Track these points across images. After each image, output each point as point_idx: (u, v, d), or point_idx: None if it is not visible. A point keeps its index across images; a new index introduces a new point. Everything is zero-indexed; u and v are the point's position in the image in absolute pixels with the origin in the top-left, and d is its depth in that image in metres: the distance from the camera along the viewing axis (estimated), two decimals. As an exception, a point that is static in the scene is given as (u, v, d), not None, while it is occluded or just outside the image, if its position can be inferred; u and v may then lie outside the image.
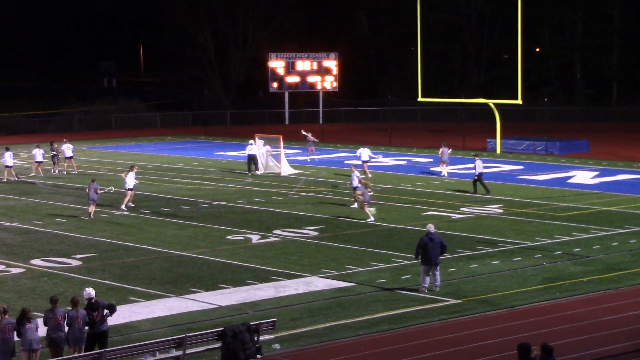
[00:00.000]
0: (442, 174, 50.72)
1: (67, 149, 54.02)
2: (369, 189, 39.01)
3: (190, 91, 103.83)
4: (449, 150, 52.18)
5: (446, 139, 58.32)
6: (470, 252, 31.86)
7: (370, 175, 49.46)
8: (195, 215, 39.68)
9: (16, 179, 50.24)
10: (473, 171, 45.33)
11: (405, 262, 30.32)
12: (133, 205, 41.02)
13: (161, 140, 73.59)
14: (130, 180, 40.87)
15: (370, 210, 38.13)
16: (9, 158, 50.25)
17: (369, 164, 51.78)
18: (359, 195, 39.06)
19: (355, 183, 41.06)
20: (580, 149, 63.98)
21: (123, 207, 40.57)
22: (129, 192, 40.80)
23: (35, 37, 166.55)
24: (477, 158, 45.27)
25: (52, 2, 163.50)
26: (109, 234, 35.56)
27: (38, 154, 53.08)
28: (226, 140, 74.29)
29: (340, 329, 23.43)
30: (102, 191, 39.61)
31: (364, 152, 51.75)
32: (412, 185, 47.42)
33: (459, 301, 25.86)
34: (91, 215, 38.79)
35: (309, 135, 59.80)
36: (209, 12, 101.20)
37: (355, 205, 40.25)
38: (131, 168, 41.89)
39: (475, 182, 45.13)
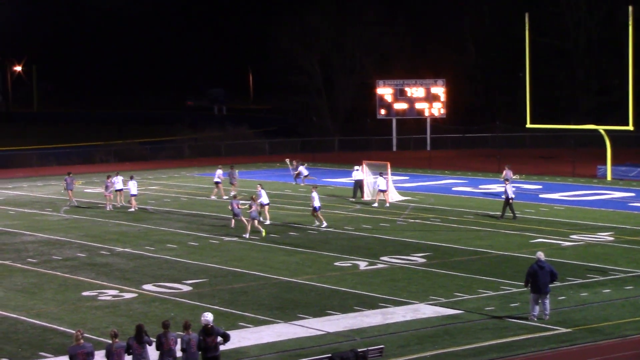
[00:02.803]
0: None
1: (133, 185, 51.56)
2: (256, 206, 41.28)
3: (299, 118, 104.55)
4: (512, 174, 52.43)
5: (556, 165, 57.61)
6: (581, 280, 31.42)
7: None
8: (303, 241, 39.92)
9: (121, 204, 50.94)
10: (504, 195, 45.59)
11: (514, 289, 30.04)
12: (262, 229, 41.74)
13: (270, 167, 74.21)
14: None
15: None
16: (133, 186, 50.14)
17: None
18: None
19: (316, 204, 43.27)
20: (695, 175, 62.68)
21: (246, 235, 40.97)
22: (252, 220, 41.22)
23: (147, 65, 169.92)
24: (507, 183, 45.69)
25: (161, 33, 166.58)
26: (219, 259, 36.00)
27: (120, 182, 51.72)
28: (334, 167, 74.57)
29: (448, 357, 23.32)
30: (243, 207, 41.58)
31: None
32: (520, 212, 46.97)
33: (569, 330, 25.52)
34: (232, 225, 41.76)
35: (291, 163, 60.74)
36: (317, 39, 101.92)
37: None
38: (252, 199, 42.06)
39: (505, 205, 45.33)
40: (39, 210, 50.49)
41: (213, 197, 53.94)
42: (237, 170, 57.12)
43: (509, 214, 45.19)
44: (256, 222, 41.24)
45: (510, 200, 45.18)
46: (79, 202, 53.29)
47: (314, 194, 43.54)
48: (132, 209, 49.44)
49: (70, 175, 53.40)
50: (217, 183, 54.56)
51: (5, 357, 23.65)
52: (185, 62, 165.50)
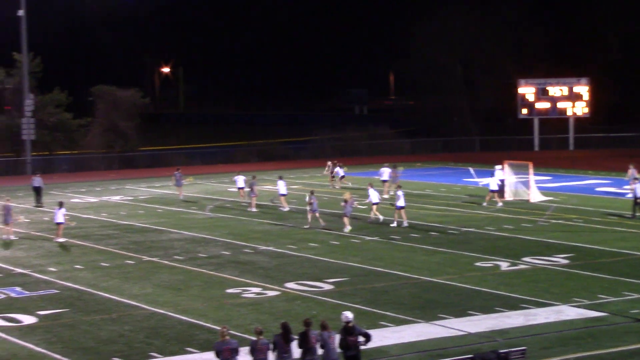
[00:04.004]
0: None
1: (385, 172, 56.32)
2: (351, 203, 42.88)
3: (440, 118, 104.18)
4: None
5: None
6: None
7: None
8: (444, 241, 39.90)
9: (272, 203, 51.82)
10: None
11: (660, 292, 29.52)
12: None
13: (411, 167, 74.27)
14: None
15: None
16: (281, 186, 50.95)
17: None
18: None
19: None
20: None
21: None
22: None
23: (289, 67, 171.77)
24: (637, 182, 45.29)
25: (307, 35, 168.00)
26: (360, 258, 36.28)
27: (240, 180, 54.34)
28: (475, 167, 74.08)
29: (592, 360, 23.09)
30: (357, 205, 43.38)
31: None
32: (667, 213, 45.90)
33: None
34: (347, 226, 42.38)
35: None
36: (459, 39, 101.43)
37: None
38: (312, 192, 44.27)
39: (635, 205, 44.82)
40: (185, 209, 51.64)
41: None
42: (401, 169, 57.68)
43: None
44: (317, 213, 43.57)
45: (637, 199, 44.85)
46: (223, 201, 54.33)
47: (400, 193, 44.11)
48: (284, 209, 50.17)
49: (179, 170, 55.71)
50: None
51: (154, 351, 24.36)
52: (327, 63, 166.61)
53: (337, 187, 58.79)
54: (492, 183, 50.52)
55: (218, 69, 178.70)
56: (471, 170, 55.32)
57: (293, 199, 54.48)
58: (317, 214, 43.79)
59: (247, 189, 52.70)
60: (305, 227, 43.68)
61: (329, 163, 62.20)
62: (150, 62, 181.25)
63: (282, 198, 50.83)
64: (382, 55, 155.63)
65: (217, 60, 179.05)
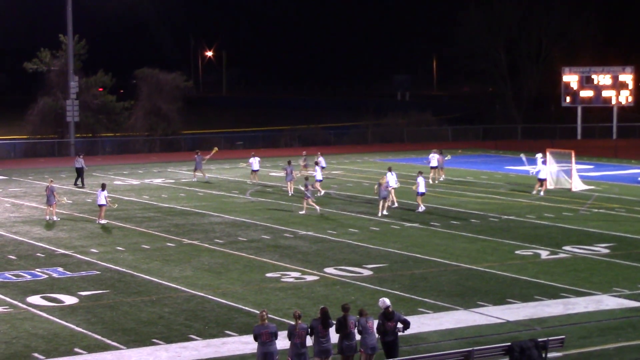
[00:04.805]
0: None
1: (433, 159, 56.26)
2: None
3: (482, 105, 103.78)
4: None
5: None
6: None
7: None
8: (485, 228, 39.80)
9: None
10: None
11: (702, 284, 29.29)
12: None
13: (452, 154, 74.02)
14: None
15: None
16: (317, 171, 50.63)
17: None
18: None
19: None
20: None
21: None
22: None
23: (333, 52, 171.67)
24: None
25: (352, 21, 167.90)
26: (400, 245, 36.27)
27: (255, 162, 55.64)
28: (516, 155, 73.77)
29: (632, 350, 22.95)
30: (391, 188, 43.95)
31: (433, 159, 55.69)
32: None
33: None
34: (383, 211, 42.71)
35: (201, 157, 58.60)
36: (503, 25, 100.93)
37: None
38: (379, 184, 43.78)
39: None
40: (226, 192, 51.86)
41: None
42: (448, 157, 57.82)
43: None
44: (310, 200, 43.70)
45: None
46: (264, 185, 54.52)
47: (420, 179, 44.43)
48: (318, 193, 50.26)
49: (198, 153, 57.23)
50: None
51: (194, 334, 24.54)
52: (372, 50, 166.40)
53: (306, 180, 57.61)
54: (544, 172, 50.21)
55: (262, 53, 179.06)
56: (523, 157, 54.82)
57: (334, 185, 54.56)
58: (311, 201, 44.00)
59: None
60: (302, 213, 43.83)
61: (304, 153, 60.05)
62: (194, 45, 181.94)
63: (318, 184, 50.89)
64: (426, 41, 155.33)
65: (261, 44, 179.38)
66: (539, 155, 52.68)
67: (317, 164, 52.22)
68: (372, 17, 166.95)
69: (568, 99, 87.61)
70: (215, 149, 61.48)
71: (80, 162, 54.58)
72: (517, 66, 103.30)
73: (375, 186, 44.16)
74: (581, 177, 53.79)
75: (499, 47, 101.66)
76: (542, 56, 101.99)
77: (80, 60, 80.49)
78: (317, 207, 43.76)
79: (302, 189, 44.88)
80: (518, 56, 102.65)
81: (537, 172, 50.92)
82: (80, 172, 54.51)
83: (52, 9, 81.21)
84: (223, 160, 69.51)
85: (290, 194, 50.24)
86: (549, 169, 52.05)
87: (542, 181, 50.22)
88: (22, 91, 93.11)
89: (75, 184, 54.26)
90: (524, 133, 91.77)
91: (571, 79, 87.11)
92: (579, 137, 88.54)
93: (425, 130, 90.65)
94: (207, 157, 59.37)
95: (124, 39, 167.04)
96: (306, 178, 45.82)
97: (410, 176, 48.82)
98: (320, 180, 51.12)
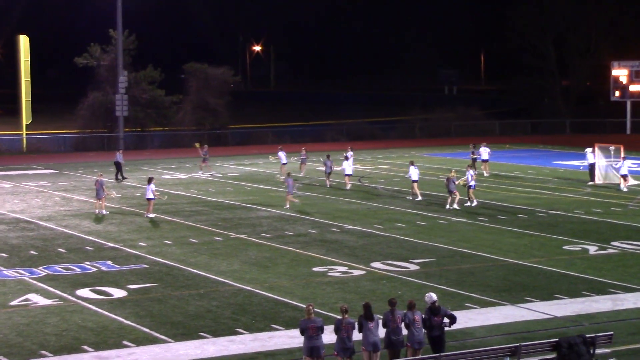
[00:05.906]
0: None
1: (484, 152, 57.31)
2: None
3: (530, 99, 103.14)
4: None
5: None
6: None
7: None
8: (532, 224, 39.63)
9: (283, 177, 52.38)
10: None
11: None
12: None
13: (499, 148, 73.69)
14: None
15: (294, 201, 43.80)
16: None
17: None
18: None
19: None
20: None
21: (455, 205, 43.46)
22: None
23: (381, 46, 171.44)
24: None
25: (401, 15, 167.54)
26: (446, 240, 36.22)
27: (283, 156, 56.70)
28: (564, 150, 73.35)
29: (680, 347, 22.81)
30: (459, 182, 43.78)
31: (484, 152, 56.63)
32: None
33: None
34: (455, 204, 43.05)
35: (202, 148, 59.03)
36: (552, 20, 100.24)
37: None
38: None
39: None
40: (273, 187, 52.02)
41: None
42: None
43: None
44: (291, 196, 44.17)
45: None
46: (311, 179, 54.61)
47: (412, 168, 46.35)
48: (347, 187, 50.43)
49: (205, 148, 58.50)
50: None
51: (241, 327, 24.69)
52: (419, 43, 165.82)
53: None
54: (624, 168, 49.78)
55: (309, 48, 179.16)
56: (588, 151, 53.87)
57: (380, 179, 54.56)
58: (291, 196, 44.31)
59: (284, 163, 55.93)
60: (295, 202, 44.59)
61: (303, 149, 58.91)
62: (242, 40, 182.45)
63: (347, 178, 51.01)
64: (474, 35, 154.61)
65: (308, 39, 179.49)
66: (588, 150, 52.29)
67: (346, 158, 52.20)
68: (421, 11, 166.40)
69: (617, 93, 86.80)
70: (197, 144, 61.67)
71: (118, 156, 55.54)
72: (566, 60, 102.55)
73: (445, 180, 44.21)
74: (630, 172, 53.24)
75: (547, 41, 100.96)
76: (591, 50, 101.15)
77: (130, 55, 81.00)
78: (297, 200, 44.58)
79: (282, 179, 45.63)
80: (567, 50, 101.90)
81: (619, 169, 50.47)
82: (118, 166, 55.39)
83: (103, 3, 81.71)
84: (271, 155, 69.57)
85: (328, 185, 50.91)
86: (599, 163, 51.73)
87: (624, 177, 49.75)
88: (72, 86, 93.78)
89: (116, 178, 54.89)
90: (573, 128, 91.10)
91: (620, 73, 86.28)
92: (628, 132, 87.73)
93: (473, 124, 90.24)
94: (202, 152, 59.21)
95: (172, 34, 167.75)
96: (288, 174, 45.91)
97: (460, 171, 48.56)
98: (350, 175, 51.13)
